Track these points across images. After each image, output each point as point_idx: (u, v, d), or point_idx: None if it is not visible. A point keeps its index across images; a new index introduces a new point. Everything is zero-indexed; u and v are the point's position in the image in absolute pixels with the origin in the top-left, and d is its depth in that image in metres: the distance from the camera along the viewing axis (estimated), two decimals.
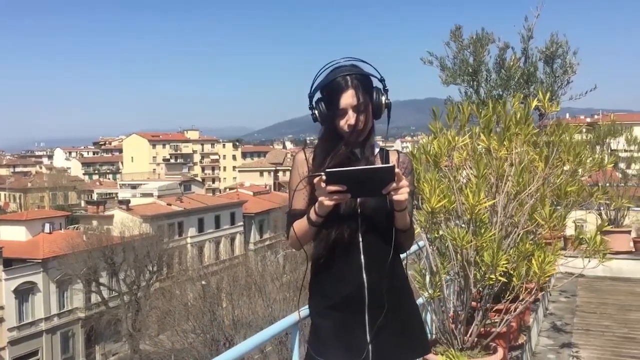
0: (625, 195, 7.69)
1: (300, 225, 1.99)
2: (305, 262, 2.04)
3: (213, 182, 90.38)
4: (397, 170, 1.85)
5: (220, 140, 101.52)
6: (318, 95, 2.03)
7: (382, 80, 2.05)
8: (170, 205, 45.24)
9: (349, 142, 1.99)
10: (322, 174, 1.82)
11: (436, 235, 3.27)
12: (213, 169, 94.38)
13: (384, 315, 1.94)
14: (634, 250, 7.50)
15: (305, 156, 2.07)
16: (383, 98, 2.03)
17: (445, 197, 3.10)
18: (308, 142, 2.15)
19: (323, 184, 1.82)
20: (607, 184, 7.82)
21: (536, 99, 4.37)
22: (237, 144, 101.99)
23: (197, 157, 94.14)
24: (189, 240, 44.06)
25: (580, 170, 4.69)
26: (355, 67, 2.02)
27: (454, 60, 6.66)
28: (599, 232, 3.53)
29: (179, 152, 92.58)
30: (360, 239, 1.98)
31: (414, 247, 3.27)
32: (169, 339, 28.15)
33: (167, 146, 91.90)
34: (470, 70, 6.44)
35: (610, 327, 5.42)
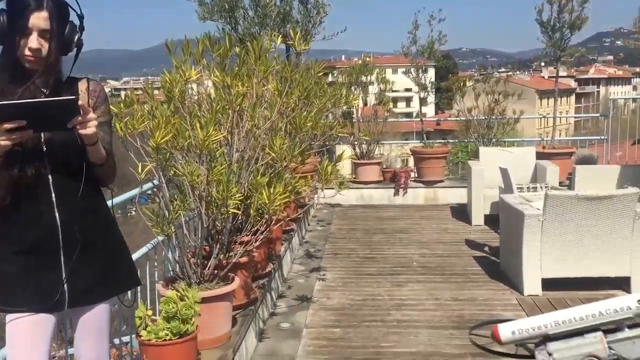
0: (377, 130, 8.41)
1: None
2: None
3: None
4: (81, 102, 1.74)
5: None
6: (3, 5, 1.80)
7: (81, 17, 1.89)
8: None
9: (29, 70, 1.80)
10: None
11: (173, 172, 3.24)
12: None
13: (82, 253, 1.86)
14: (382, 179, 8.29)
15: None
16: (76, 36, 1.88)
17: (178, 132, 3.07)
18: None
19: None
20: (361, 120, 8.52)
21: (280, 36, 4.49)
22: None
23: None
24: None
25: (329, 105, 5.02)
26: None
27: None
28: (331, 164, 3.79)
29: None
30: (50, 177, 1.84)
31: (147, 185, 3.19)
32: None
33: None
34: (227, 6, 6.39)
35: (356, 250, 5.98)
